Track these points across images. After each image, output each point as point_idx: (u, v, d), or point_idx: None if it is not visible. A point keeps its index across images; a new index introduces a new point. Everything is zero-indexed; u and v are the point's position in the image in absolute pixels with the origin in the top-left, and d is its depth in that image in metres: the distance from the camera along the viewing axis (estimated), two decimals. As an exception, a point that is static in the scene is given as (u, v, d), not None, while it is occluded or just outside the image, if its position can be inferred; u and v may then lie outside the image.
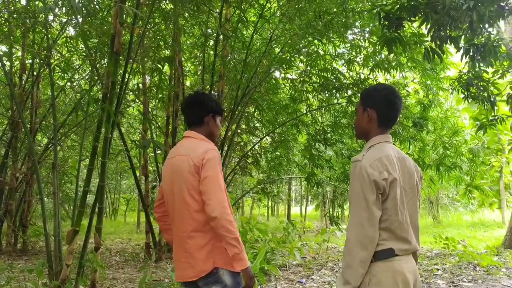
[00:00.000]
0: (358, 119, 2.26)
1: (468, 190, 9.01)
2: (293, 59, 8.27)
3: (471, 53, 5.55)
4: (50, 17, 6.71)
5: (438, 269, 7.05)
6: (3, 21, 6.54)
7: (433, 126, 8.38)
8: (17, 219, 8.69)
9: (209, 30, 7.99)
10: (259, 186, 11.05)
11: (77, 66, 8.27)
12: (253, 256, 6.11)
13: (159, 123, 10.08)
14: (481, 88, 6.65)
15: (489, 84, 6.60)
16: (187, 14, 7.00)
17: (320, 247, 9.42)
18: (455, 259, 7.93)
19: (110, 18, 6.45)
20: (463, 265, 7.40)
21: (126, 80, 5.93)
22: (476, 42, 5.54)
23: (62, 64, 7.17)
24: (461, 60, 5.67)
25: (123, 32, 5.25)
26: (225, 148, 8.61)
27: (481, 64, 6.13)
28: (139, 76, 8.49)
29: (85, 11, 5.98)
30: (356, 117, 2.29)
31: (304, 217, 19.35)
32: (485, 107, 6.96)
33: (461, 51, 5.50)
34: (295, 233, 10.73)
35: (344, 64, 9.04)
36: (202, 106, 2.70)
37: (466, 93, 6.67)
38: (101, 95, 5.67)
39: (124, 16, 5.16)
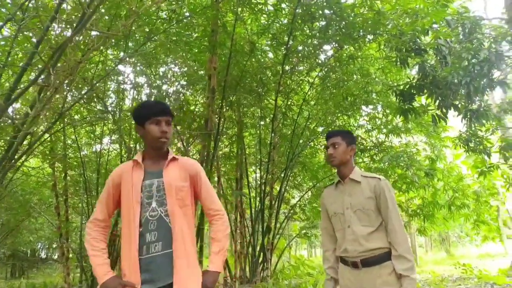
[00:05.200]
0: (343, 152, 2.28)
1: (476, 224, 8.85)
2: (325, 130, 8.72)
3: (468, 116, 5.80)
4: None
5: (463, 288, 6.88)
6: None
7: (441, 175, 8.46)
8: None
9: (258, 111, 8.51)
10: (302, 232, 11.08)
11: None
12: (313, 282, 6.15)
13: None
14: (478, 143, 6.80)
15: (484, 140, 6.76)
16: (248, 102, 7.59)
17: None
18: (474, 280, 7.66)
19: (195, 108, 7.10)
20: (482, 285, 7.14)
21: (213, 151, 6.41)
22: (471, 108, 5.80)
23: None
24: (462, 122, 5.92)
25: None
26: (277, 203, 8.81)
27: (476, 124, 6.33)
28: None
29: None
30: (338, 150, 2.28)
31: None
32: (482, 157, 7.10)
33: (461, 115, 5.81)
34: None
35: (365, 132, 9.38)
36: (134, 121, 2.07)
37: (466, 147, 6.84)
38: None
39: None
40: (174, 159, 2.03)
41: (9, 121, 3.40)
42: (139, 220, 1.86)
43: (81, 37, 2.82)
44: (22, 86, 3.89)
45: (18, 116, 4.09)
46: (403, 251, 2.04)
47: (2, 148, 5.14)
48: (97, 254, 1.91)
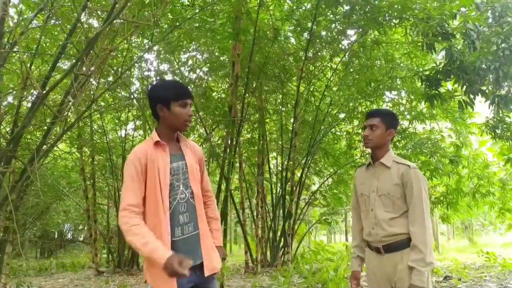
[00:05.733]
0: (380, 135, 2.21)
1: (501, 212, 8.71)
2: (347, 116, 8.70)
3: (496, 102, 5.68)
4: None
5: (486, 276, 6.81)
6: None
7: (466, 162, 8.33)
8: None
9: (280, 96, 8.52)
10: (323, 218, 11.14)
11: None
12: (334, 267, 6.23)
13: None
14: (505, 129, 6.66)
15: (511, 126, 6.61)
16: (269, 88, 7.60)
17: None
18: (498, 268, 7.59)
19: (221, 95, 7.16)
20: (506, 273, 7.07)
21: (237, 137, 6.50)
22: (499, 94, 5.66)
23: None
24: (489, 108, 5.80)
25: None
26: (298, 189, 8.83)
27: (504, 111, 6.19)
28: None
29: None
30: (375, 132, 2.21)
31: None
32: (509, 144, 6.95)
33: (488, 101, 5.69)
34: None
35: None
36: (151, 99, 1.97)
37: (493, 134, 6.71)
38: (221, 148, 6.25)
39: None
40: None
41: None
42: (168, 202, 1.84)
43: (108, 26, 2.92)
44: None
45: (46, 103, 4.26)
46: (418, 242, 2.04)
47: (32, 134, 5.36)
48: (151, 240, 1.72)
